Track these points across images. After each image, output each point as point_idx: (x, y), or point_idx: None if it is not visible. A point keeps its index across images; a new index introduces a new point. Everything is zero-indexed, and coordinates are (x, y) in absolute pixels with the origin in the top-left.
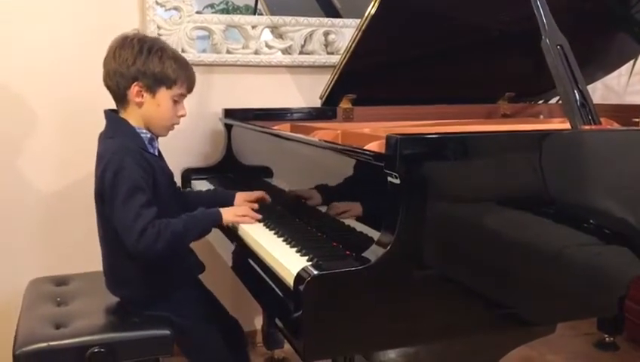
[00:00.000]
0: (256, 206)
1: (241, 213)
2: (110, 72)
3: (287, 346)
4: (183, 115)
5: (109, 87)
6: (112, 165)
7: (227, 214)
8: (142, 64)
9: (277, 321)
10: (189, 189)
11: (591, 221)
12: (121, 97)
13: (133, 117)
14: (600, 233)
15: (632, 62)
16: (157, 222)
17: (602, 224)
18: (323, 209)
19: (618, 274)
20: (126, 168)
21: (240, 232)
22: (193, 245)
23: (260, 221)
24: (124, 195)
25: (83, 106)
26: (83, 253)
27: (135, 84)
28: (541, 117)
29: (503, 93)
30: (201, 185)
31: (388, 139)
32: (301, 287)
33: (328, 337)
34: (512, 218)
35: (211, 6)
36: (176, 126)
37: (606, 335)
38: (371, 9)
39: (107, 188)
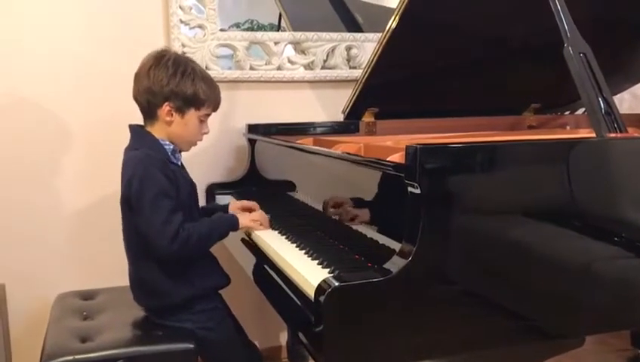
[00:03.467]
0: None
1: (256, 217)
2: (142, 88)
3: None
4: (206, 133)
5: (138, 102)
6: (138, 173)
7: (243, 219)
8: (175, 85)
9: (300, 335)
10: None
11: (617, 231)
12: (150, 113)
13: (158, 131)
14: (626, 244)
15: None
16: (186, 226)
17: (628, 234)
18: (346, 221)
19: None
20: (152, 175)
21: (262, 245)
22: (218, 258)
23: (282, 234)
24: (152, 201)
25: (110, 122)
26: (110, 267)
27: (166, 104)
28: (568, 128)
29: (528, 104)
30: (226, 200)
31: (407, 149)
32: (321, 299)
33: (350, 349)
34: (535, 228)
35: (237, 25)
36: (199, 142)
37: None
38: (392, 23)
39: (134, 196)
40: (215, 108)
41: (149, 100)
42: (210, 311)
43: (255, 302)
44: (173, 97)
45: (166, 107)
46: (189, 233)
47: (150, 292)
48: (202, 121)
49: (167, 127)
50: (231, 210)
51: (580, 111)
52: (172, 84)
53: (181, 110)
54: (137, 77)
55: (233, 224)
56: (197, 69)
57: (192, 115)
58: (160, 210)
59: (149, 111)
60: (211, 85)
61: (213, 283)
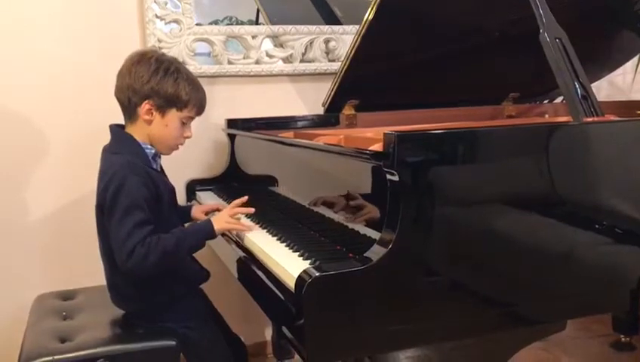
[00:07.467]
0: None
1: (231, 218)
2: (123, 86)
3: (297, 356)
4: (188, 137)
5: (119, 100)
6: (115, 181)
7: (218, 223)
8: (156, 83)
9: (284, 329)
10: (194, 201)
11: (596, 216)
12: (130, 112)
13: (139, 132)
14: (604, 228)
15: (636, 58)
16: (147, 241)
17: (607, 218)
18: (326, 213)
19: (626, 271)
20: (128, 186)
21: (243, 240)
22: (199, 256)
23: (263, 227)
24: (121, 213)
25: (86, 123)
26: (90, 267)
27: (146, 102)
28: (546, 116)
29: (507, 94)
30: (206, 196)
31: (385, 137)
32: (302, 289)
33: (332, 340)
34: (515, 214)
35: (215, 22)
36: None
37: (622, 336)
38: (369, 14)
39: (107, 204)
40: (199, 113)
41: (129, 98)
42: (192, 310)
43: (239, 298)
44: (154, 95)
45: (146, 105)
46: (147, 249)
47: (127, 298)
48: (184, 123)
49: (147, 127)
50: (194, 214)
51: (559, 100)
52: (153, 81)
53: (162, 109)
54: (120, 73)
55: (208, 233)
56: (182, 70)
57: (173, 115)
58: (126, 223)
59: (130, 110)
60: (196, 87)
61: (192, 282)
